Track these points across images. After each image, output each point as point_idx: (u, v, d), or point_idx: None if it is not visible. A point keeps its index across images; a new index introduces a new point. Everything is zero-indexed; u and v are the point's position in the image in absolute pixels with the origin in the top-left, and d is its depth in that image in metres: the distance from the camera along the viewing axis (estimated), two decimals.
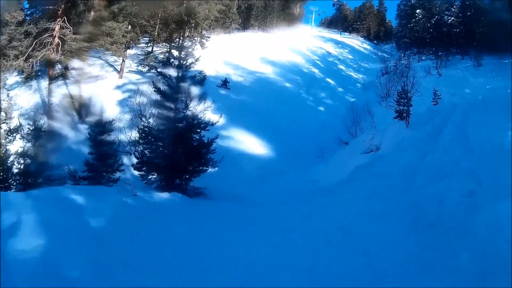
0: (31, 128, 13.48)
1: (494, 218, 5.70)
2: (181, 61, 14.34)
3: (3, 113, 16.03)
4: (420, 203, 7.95)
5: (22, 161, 12.95)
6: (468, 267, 5.34)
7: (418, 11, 46.71)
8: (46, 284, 5.27)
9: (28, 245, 5.86)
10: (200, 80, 14.90)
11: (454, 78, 26.81)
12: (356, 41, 57.89)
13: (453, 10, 41.02)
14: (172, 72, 14.27)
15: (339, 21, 73.51)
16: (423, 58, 40.85)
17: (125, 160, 16.47)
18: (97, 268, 6.25)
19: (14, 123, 17.10)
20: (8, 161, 13.38)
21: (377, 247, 6.94)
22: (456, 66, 32.64)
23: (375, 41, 63.93)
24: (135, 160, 14.75)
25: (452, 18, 39.72)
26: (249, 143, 23.21)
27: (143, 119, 14.81)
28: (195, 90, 14.60)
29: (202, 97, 14.57)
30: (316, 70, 40.07)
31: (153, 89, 14.76)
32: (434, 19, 41.69)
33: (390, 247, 6.82)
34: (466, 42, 35.86)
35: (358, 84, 37.86)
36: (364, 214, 8.93)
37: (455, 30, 37.91)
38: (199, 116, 14.37)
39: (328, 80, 37.94)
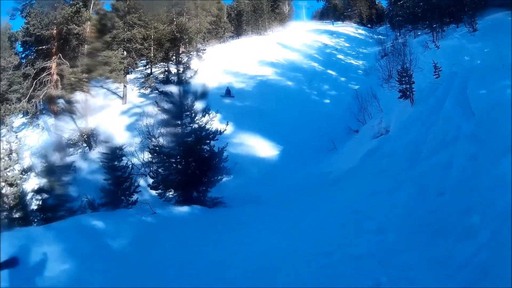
0: (44, 165, 13.63)
1: (499, 176, 5.73)
2: (180, 77, 14.46)
3: (14, 154, 16.23)
4: (427, 173, 8.03)
5: (39, 198, 13.11)
6: (479, 226, 5.40)
7: None
8: None
9: (55, 271, 6.14)
10: (202, 92, 14.95)
11: (452, 47, 26.41)
12: (350, 28, 57.57)
13: None
14: (173, 89, 14.37)
15: (330, 11, 73.43)
16: (419, 33, 40.32)
17: (141, 182, 16.51)
18: (120, 285, 6.46)
19: (26, 162, 17.35)
20: (26, 199, 13.61)
21: (389, 223, 7.05)
22: (452, 35, 32.05)
23: (368, 25, 63.67)
24: (150, 180, 14.84)
25: None
26: (260, 146, 23.28)
27: (153, 139, 14.93)
28: (198, 103, 14.70)
29: (206, 109, 14.68)
30: (315, 64, 39.94)
31: (158, 109, 14.88)
32: None
33: (402, 221, 6.92)
34: (457, 9, 35.28)
35: (360, 71, 37.48)
36: (373, 193, 9.06)
37: None
38: (206, 128, 14.50)
39: (329, 71, 37.79)
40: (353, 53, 44.43)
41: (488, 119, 7.65)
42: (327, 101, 31.04)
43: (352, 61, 41.32)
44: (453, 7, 35.77)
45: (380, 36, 47.38)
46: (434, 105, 12.01)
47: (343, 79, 35.74)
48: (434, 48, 29.28)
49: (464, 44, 25.91)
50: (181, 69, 14.61)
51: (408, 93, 15.40)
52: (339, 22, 64.23)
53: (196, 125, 14.36)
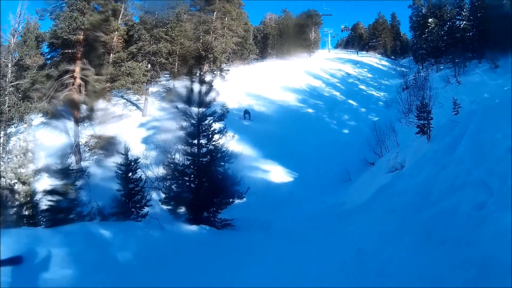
0: (58, 167, 13.67)
1: (502, 229, 5.60)
2: (202, 97, 14.52)
3: (30, 153, 16.39)
4: (433, 219, 7.85)
5: (50, 199, 13.14)
6: (475, 281, 5.24)
7: (430, 20, 46.47)
8: None
9: (57, 275, 6.28)
10: (222, 114, 15.00)
11: (473, 84, 26.45)
12: (374, 59, 58.05)
13: (463, 13, 40.75)
14: (193, 108, 14.42)
15: (355, 41, 74.39)
16: (441, 67, 40.51)
17: (154, 195, 16.55)
18: None
19: (41, 162, 17.43)
20: (37, 199, 13.67)
21: (390, 266, 6.97)
22: (474, 71, 32.10)
23: (392, 57, 64.23)
24: (163, 195, 14.84)
25: (464, 22, 39.14)
26: (275, 171, 23.32)
27: (168, 155, 14.98)
28: (217, 124, 14.76)
29: (224, 130, 14.75)
30: (337, 93, 40.18)
31: (176, 126, 14.92)
32: (447, 26, 41.32)
33: (403, 265, 6.83)
34: (481, 45, 35.22)
35: (380, 103, 37.82)
36: (379, 234, 8.94)
37: (468, 34, 37.43)
38: (222, 150, 14.54)
39: (350, 101, 37.99)
40: (375, 84, 44.66)
41: (500, 167, 7.46)
42: (346, 131, 31.07)
43: (374, 92, 41.49)
44: (476, 42, 35.78)
45: (403, 69, 47.57)
46: (449, 145, 11.78)
47: (363, 110, 35.83)
48: (455, 83, 29.37)
49: (485, 80, 25.90)
50: (203, 89, 14.67)
51: (425, 129, 15.28)
52: (363, 52, 64.85)
53: (212, 146, 14.43)
